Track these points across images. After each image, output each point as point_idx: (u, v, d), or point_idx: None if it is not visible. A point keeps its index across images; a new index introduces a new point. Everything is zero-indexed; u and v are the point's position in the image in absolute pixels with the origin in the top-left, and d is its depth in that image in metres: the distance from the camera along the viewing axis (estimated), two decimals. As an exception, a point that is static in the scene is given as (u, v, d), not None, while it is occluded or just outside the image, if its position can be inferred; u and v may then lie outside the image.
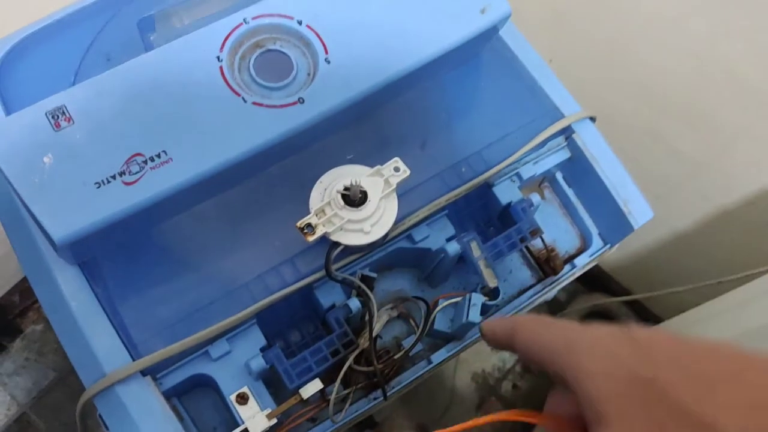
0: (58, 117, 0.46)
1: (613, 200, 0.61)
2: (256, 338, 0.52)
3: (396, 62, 0.53)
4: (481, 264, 0.56)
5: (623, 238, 0.64)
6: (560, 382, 0.29)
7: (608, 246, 0.64)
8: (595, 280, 1.38)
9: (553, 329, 0.30)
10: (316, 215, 0.49)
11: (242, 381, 0.50)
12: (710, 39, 0.88)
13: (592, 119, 0.64)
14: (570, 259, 0.64)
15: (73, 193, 0.44)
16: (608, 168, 0.62)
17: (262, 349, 0.51)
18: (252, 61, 0.51)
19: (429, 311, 0.58)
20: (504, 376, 1.34)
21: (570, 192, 0.65)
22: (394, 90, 0.54)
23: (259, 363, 0.50)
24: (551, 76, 0.64)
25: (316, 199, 0.51)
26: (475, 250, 0.56)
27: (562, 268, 0.63)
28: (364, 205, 0.50)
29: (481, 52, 0.63)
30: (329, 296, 0.54)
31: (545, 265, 0.63)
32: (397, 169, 0.51)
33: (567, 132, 0.63)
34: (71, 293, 0.49)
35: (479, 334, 0.58)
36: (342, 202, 0.49)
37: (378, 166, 0.51)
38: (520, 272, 0.64)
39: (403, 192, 0.54)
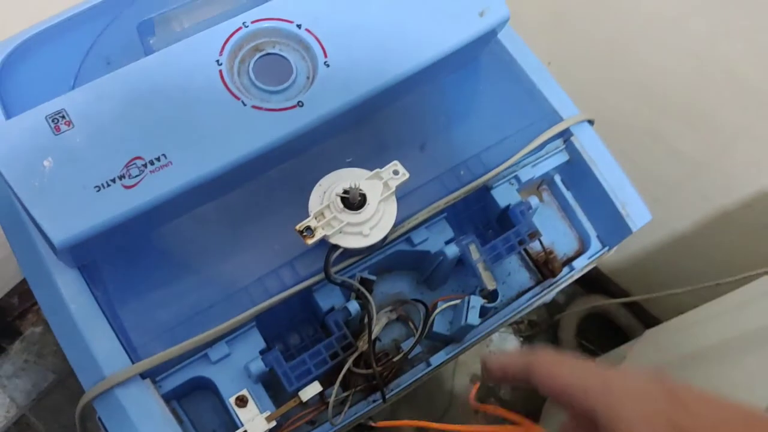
0: (58, 121, 0.46)
1: (611, 203, 0.62)
2: (255, 341, 0.52)
3: (395, 66, 0.53)
4: (480, 266, 0.56)
5: (621, 241, 0.64)
6: (586, 417, 0.30)
7: (606, 248, 0.65)
8: (593, 281, 1.38)
9: (582, 369, 0.32)
10: (316, 218, 0.49)
11: (241, 384, 0.50)
12: (710, 39, 0.88)
13: (591, 122, 0.65)
14: (568, 261, 0.64)
15: (73, 196, 0.45)
16: (606, 170, 0.62)
17: (262, 352, 0.51)
18: (251, 65, 0.51)
19: (428, 314, 0.58)
20: (503, 378, 1.34)
21: (568, 195, 0.66)
22: (393, 93, 0.54)
23: (258, 366, 0.50)
24: (549, 79, 0.64)
25: (315, 202, 0.51)
26: (474, 253, 0.56)
27: (561, 271, 0.63)
28: (363, 208, 0.50)
29: (479, 56, 0.63)
30: (328, 299, 0.54)
31: (544, 267, 0.63)
32: (396, 172, 0.51)
33: (565, 135, 0.63)
34: (71, 296, 0.49)
35: (478, 336, 0.59)
36: (341, 205, 0.50)
37: (377, 169, 0.51)
38: (519, 275, 0.64)
39: (402, 195, 0.54)
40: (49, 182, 0.45)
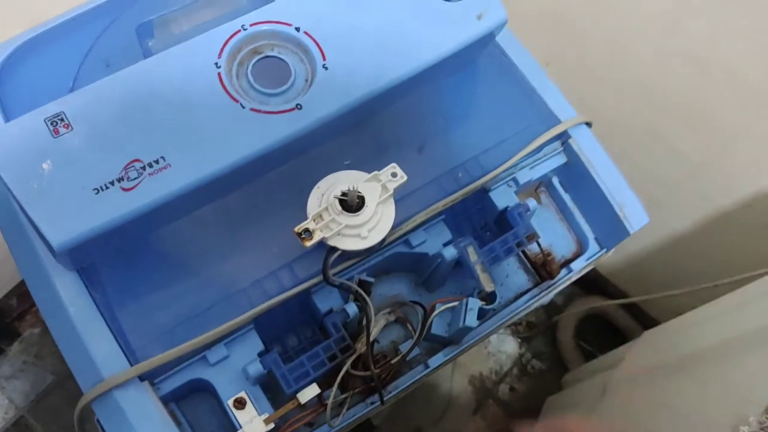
0: (56, 123, 0.46)
1: (609, 205, 0.62)
2: (253, 343, 0.52)
3: (393, 69, 0.53)
4: (478, 268, 0.56)
5: (619, 243, 0.64)
6: None
7: (604, 250, 0.65)
8: (592, 283, 1.38)
9: None
10: (314, 220, 0.49)
11: (240, 386, 0.50)
12: (710, 39, 0.88)
13: (588, 124, 0.65)
14: (566, 263, 0.64)
15: (72, 199, 0.45)
16: (604, 173, 0.63)
17: (260, 354, 0.52)
18: (250, 68, 0.51)
19: (426, 316, 0.58)
20: (501, 379, 1.34)
21: (566, 197, 0.66)
22: (391, 96, 0.55)
23: (256, 368, 0.50)
24: (547, 81, 0.65)
25: (313, 204, 0.51)
26: (472, 255, 0.56)
27: (559, 273, 0.63)
28: (361, 211, 0.50)
29: (477, 58, 0.63)
30: (327, 301, 0.54)
31: (542, 269, 0.64)
32: (394, 175, 0.52)
33: (563, 137, 0.64)
34: (69, 299, 0.49)
35: (476, 338, 0.59)
36: (339, 208, 0.50)
37: (375, 172, 0.51)
38: (517, 276, 0.64)
39: (400, 197, 0.54)
40: (48, 185, 0.45)
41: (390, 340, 0.60)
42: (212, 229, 0.53)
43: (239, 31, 0.52)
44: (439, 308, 0.58)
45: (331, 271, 0.51)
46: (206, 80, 0.50)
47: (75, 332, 0.49)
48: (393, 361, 0.56)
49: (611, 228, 0.63)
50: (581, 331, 1.37)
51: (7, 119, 0.47)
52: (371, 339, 0.53)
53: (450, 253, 0.56)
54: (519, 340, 1.38)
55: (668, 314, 1.06)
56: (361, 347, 0.53)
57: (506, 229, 0.59)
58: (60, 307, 0.50)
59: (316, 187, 0.52)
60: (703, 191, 1.03)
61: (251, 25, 0.52)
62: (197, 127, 0.48)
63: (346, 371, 0.52)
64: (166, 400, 0.50)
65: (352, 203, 0.50)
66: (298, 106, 0.51)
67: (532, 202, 0.60)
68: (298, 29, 0.53)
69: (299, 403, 0.51)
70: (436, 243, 0.58)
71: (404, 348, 0.57)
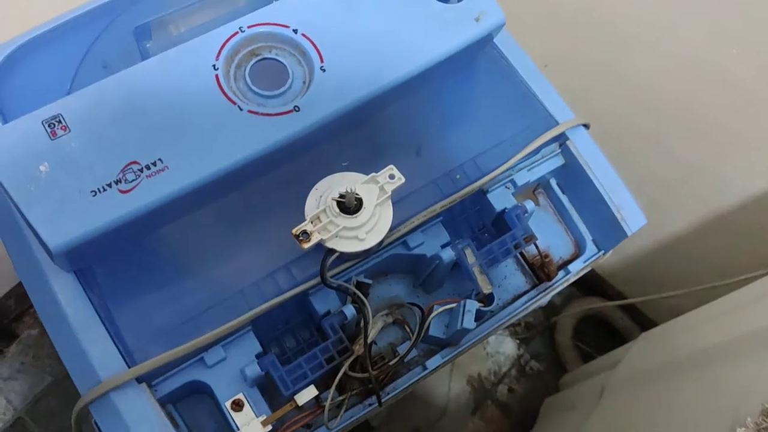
0: (54, 126, 0.46)
1: (607, 207, 0.62)
2: (251, 345, 0.52)
3: (391, 71, 0.53)
4: (476, 270, 0.56)
5: (617, 245, 0.64)
6: None
7: (602, 252, 0.65)
8: (590, 284, 1.38)
9: None
10: (312, 222, 0.49)
11: (237, 387, 0.50)
12: (704, 44, 0.88)
13: (586, 126, 0.65)
14: (564, 264, 0.64)
15: (69, 201, 0.45)
16: (602, 175, 0.63)
17: (258, 356, 0.52)
18: (248, 70, 0.51)
19: (424, 317, 0.58)
20: (500, 380, 1.34)
21: (564, 198, 0.66)
22: (389, 98, 0.55)
23: (254, 370, 0.50)
24: (545, 83, 0.65)
25: (311, 206, 0.51)
26: (470, 257, 0.56)
27: (557, 274, 0.63)
28: (359, 213, 0.50)
29: (475, 60, 0.63)
30: (324, 303, 0.54)
31: (539, 271, 0.64)
32: (392, 177, 0.52)
33: (561, 139, 0.64)
34: (67, 300, 0.49)
35: (474, 340, 0.59)
36: (337, 210, 0.50)
37: (373, 174, 0.51)
38: (515, 278, 0.64)
39: (398, 199, 0.54)
40: (45, 187, 0.45)
41: (388, 341, 0.60)
42: (210, 231, 0.53)
43: (237, 33, 0.52)
44: (437, 310, 0.58)
45: (329, 273, 0.51)
46: (204, 82, 0.50)
47: (72, 334, 0.49)
48: (391, 363, 0.56)
49: (609, 230, 0.63)
50: (579, 332, 1.38)
51: (4, 121, 0.48)
52: (369, 341, 0.53)
53: (448, 254, 0.56)
54: (517, 341, 1.38)
55: (666, 315, 1.06)
56: (358, 349, 0.53)
57: (504, 230, 0.59)
58: (57, 309, 0.49)
59: (313, 188, 0.52)
60: (699, 193, 1.03)
61: (249, 27, 0.52)
62: (195, 129, 0.48)
63: (344, 373, 0.52)
64: (163, 402, 0.50)
65: (349, 205, 0.50)
66: (296, 108, 0.51)
67: (529, 204, 0.60)
68: (295, 31, 0.53)
69: (297, 405, 0.51)
70: (434, 245, 0.58)
71: (402, 350, 0.57)
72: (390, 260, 0.58)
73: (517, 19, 0.69)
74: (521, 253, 0.65)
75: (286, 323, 0.57)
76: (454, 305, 0.57)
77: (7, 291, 1.20)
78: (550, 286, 0.63)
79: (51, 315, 0.50)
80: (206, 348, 0.50)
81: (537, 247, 0.63)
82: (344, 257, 0.53)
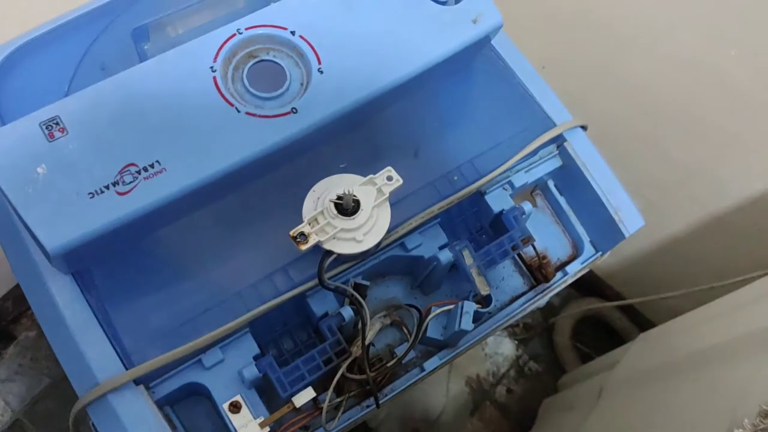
0: (51, 128, 0.46)
1: (605, 208, 0.62)
2: (249, 347, 0.52)
3: (388, 72, 0.53)
4: (474, 272, 0.56)
5: (614, 246, 0.64)
6: None
7: (600, 253, 0.65)
8: (588, 284, 1.39)
9: None
10: (309, 224, 0.49)
11: (235, 389, 0.50)
12: (702, 46, 0.89)
13: (584, 128, 0.65)
14: (562, 266, 0.65)
15: (67, 203, 0.45)
16: (599, 176, 0.63)
17: (255, 358, 0.52)
18: (245, 72, 0.52)
19: (421, 319, 0.58)
20: (498, 381, 1.34)
21: (562, 200, 0.66)
22: (386, 100, 0.55)
23: (252, 371, 0.50)
24: (543, 85, 0.65)
25: (309, 208, 0.51)
26: (468, 258, 0.57)
27: (554, 276, 0.63)
28: (356, 214, 0.50)
29: (473, 62, 0.63)
30: (322, 305, 0.54)
31: (537, 272, 0.64)
32: (389, 178, 0.52)
33: (558, 140, 0.64)
34: (64, 303, 0.49)
35: (472, 341, 0.59)
36: (335, 211, 0.50)
37: (371, 175, 0.51)
38: (513, 279, 0.64)
39: (395, 201, 0.54)
40: (43, 189, 0.45)
41: (386, 343, 0.60)
42: (207, 233, 0.53)
43: (235, 35, 0.52)
44: (435, 311, 0.58)
45: (327, 275, 0.51)
46: (202, 84, 0.50)
47: (70, 336, 0.49)
48: (388, 365, 0.56)
49: (607, 231, 0.63)
50: (578, 332, 1.38)
51: (2, 123, 0.48)
52: (367, 342, 0.53)
53: (445, 256, 0.56)
54: (516, 342, 1.38)
55: (664, 316, 1.06)
56: (356, 351, 0.53)
57: (502, 232, 0.59)
58: (55, 311, 0.49)
59: (311, 190, 0.52)
60: (697, 195, 1.03)
61: (247, 29, 0.52)
62: (192, 131, 0.48)
63: (342, 375, 0.52)
64: (161, 404, 0.50)
65: (347, 207, 0.50)
66: (294, 110, 0.51)
67: (527, 206, 0.61)
68: (293, 33, 0.53)
69: (294, 407, 0.51)
70: (432, 246, 0.58)
71: (400, 351, 0.57)
72: (388, 262, 0.58)
73: (514, 21, 0.69)
74: (519, 255, 0.65)
75: (284, 325, 0.57)
76: (451, 307, 0.57)
77: (4, 293, 1.20)
78: (547, 288, 0.63)
79: (48, 317, 0.50)
80: (204, 350, 0.50)
81: (535, 248, 0.63)
82: (342, 259, 0.53)
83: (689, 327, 0.94)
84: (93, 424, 0.49)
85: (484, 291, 0.56)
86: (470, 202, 0.61)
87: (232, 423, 0.49)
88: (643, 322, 1.34)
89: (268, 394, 0.53)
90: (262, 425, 0.49)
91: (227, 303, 0.51)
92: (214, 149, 0.49)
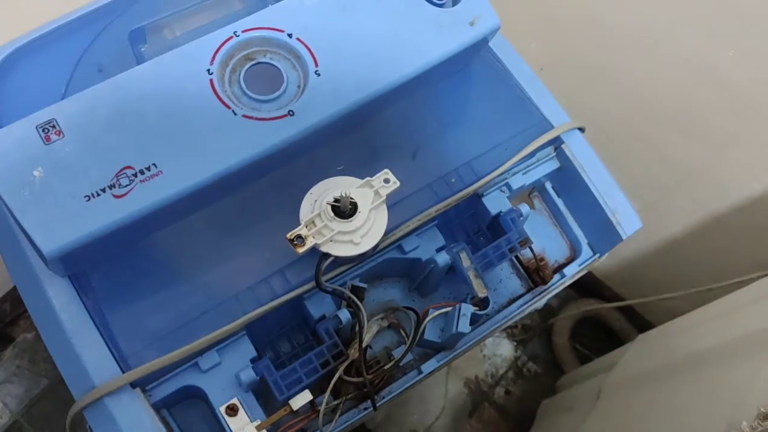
0: (48, 131, 0.46)
1: (602, 210, 0.62)
2: (246, 349, 0.52)
3: (386, 75, 0.53)
4: (471, 274, 0.56)
5: (612, 248, 0.64)
6: None
7: (597, 255, 0.65)
8: (587, 285, 1.38)
9: None
10: (306, 227, 0.49)
11: (232, 392, 0.50)
12: (700, 46, 0.89)
13: (581, 130, 0.65)
14: (559, 268, 0.64)
15: (63, 206, 0.45)
16: (597, 178, 0.63)
17: (252, 360, 0.51)
18: (242, 74, 0.51)
19: (419, 321, 0.58)
20: (497, 382, 1.34)
21: (559, 202, 0.66)
22: (383, 102, 0.55)
23: (248, 374, 0.50)
24: (541, 86, 0.65)
25: (306, 210, 0.51)
26: (465, 261, 0.56)
27: (552, 278, 0.63)
28: (353, 217, 0.50)
29: (471, 64, 0.63)
30: (319, 307, 0.54)
31: (535, 274, 0.64)
32: (387, 181, 0.52)
33: (556, 142, 0.64)
34: (61, 305, 0.49)
35: (470, 344, 0.59)
36: (332, 214, 0.50)
37: (368, 178, 0.51)
38: (510, 282, 0.64)
39: (393, 203, 0.54)
40: (39, 192, 0.45)
41: (383, 345, 0.60)
42: (204, 235, 0.53)
43: (231, 37, 0.52)
44: (432, 314, 0.58)
45: (324, 278, 0.51)
46: (198, 87, 0.50)
47: (66, 339, 0.49)
48: (386, 367, 0.56)
49: (604, 233, 0.63)
50: (577, 333, 1.38)
51: (-1, 126, 0.47)
52: (364, 345, 0.53)
53: (443, 258, 0.56)
54: (514, 343, 1.38)
55: (663, 317, 1.06)
56: (353, 353, 0.53)
57: (499, 234, 0.59)
58: (51, 314, 0.49)
59: (308, 193, 0.52)
60: (695, 196, 1.03)
61: (243, 32, 0.52)
62: (189, 134, 0.48)
63: (339, 377, 0.52)
64: (157, 407, 0.50)
65: (344, 209, 0.50)
66: (291, 113, 0.51)
67: (525, 208, 0.61)
68: (290, 35, 0.53)
69: (292, 410, 0.51)
70: (429, 248, 0.58)
71: (397, 354, 0.57)
72: (385, 264, 0.58)
73: (513, 23, 0.69)
74: (516, 257, 0.65)
75: (281, 327, 0.57)
76: (449, 309, 0.57)
77: (2, 295, 1.20)
78: (545, 290, 0.63)
79: (45, 320, 0.50)
80: (201, 353, 0.50)
81: (532, 250, 0.63)
82: (339, 261, 0.53)
83: (688, 328, 0.94)
84: (90, 428, 0.49)
85: (481, 293, 0.56)
86: (468, 204, 0.61)
87: (229, 426, 0.49)
88: (641, 323, 1.34)
89: (265, 396, 0.53)
90: (259, 428, 0.49)
91: (224, 306, 0.51)
92: (211, 152, 0.48)
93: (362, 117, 0.56)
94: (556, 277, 0.63)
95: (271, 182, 0.55)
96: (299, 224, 0.49)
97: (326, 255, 0.50)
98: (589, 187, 0.62)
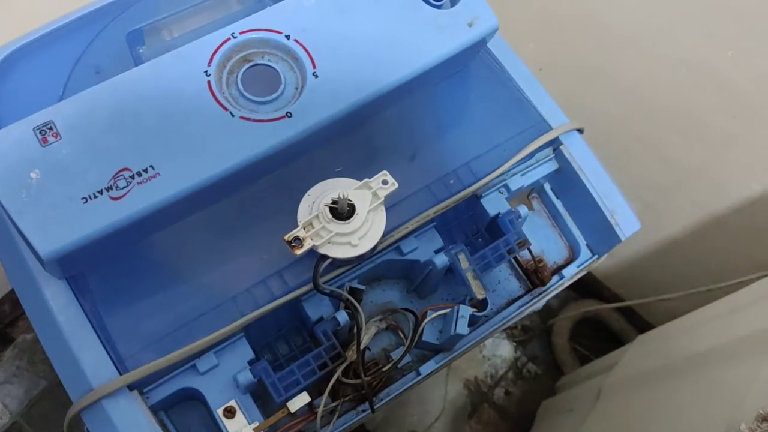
0: (45, 132, 0.46)
1: (601, 212, 0.62)
2: (243, 351, 0.52)
3: (383, 76, 0.53)
4: (469, 276, 0.56)
5: (611, 249, 0.64)
6: None
7: (596, 257, 0.65)
8: (587, 286, 1.38)
9: None
10: (304, 228, 0.49)
11: (230, 394, 0.50)
12: (699, 47, 0.89)
13: (580, 131, 0.65)
14: (558, 269, 0.64)
15: (60, 208, 0.45)
16: (595, 179, 0.63)
17: (250, 362, 0.51)
18: (240, 76, 0.51)
19: (417, 323, 0.58)
20: (497, 383, 1.34)
21: (558, 203, 0.66)
22: (381, 103, 0.55)
23: (246, 376, 0.50)
24: (539, 88, 0.65)
25: (304, 212, 0.51)
26: (463, 262, 0.56)
27: (550, 279, 0.63)
28: (352, 219, 0.50)
29: (469, 65, 0.63)
30: (317, 309, 0.54)
31: (533, 275, 0.64)
32: (385, 182, 0.52)
33: (555, 144, 0.64)
34: (58, 308, 0.49)
35: (468, 345, 0.59)
36: (330, 216, 0.50)
37: (366, 179, 0.51)
38: (509, 283, 0.64)
39: (391, 204, 0.54)
40: (36, 194, 0.45)
41: (381, 347, 0.59)
42: (202, 237, 0.53)
43: (229, 39, 0.52)
44: (431, 315, 0.58)
45: (322, 279, 0.51)
46: (196, 88, 0.50)
47: (64, 341, 0.49)
48: (384, 369, 0.56)
49: (603, 235, 0.63)
50: (576, 334, 1.38)
51: (-4, 127, 0.47)
52: (362, 347, 0.53)
53: (441, 260, 0.56)
54: (514, 344, 1.38)
55: (662, 318, 1.06)
56: (351, 355, 0.53)
57: (498, 235, 0.59)
58: (49, 316, 0.49)
59: (306, 194, 0.52)
60: (695, 196, 1.03)
61: (241, 33, 0.52)
62: (187, 136, 0.48)
63: (337, 379, 0.52)
64: (155, 409, 0.50)
65: (342, 211, 0.50)
66: (288, 114, 0.51)
67: (523, 209, 0.60)
68: (288, 37, 0.53)
69: (289, 412, 0.51)
70: (428, 250, 0.57)
71: (395, 355, 0.57)
72: (383, 266, 0.58)
73: (512, 24, 0.69)
74: (515, 258, 0.65)
75: (279, 329, 0.57)
76: (447, 311, 0.57)
77: (2, 296, 1.20)
78: (544, 291, 0.63)
79: (42, 322, 0.50)
80: (198, 355, 0.50)
81: (531, 252, 0.63)
82: (337, 263, 0.53)
83: (687, 329, 0.94)
84: (87, 430, 0.49)
85: (479, 295, 0.56)
86: (466, 205, 0.61)
87: (226, 428, 0.49)
88: (641, 323, 1.34)
89: (263, 398, 0.53)
90: (256, 430, 0.49)
91: (222, 308, 0.51)
92: (208, 154, 0.48)
93: (360, 118, 0.56)
94: (555, 278, 0.63)
95: (269, 184, 0.55)
96: (297, 226, 0.49)
97: (324, 257, 0.50)
98: (587, 188, 0.62)
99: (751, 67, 0.85)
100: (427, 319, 0.58)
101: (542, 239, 0.66)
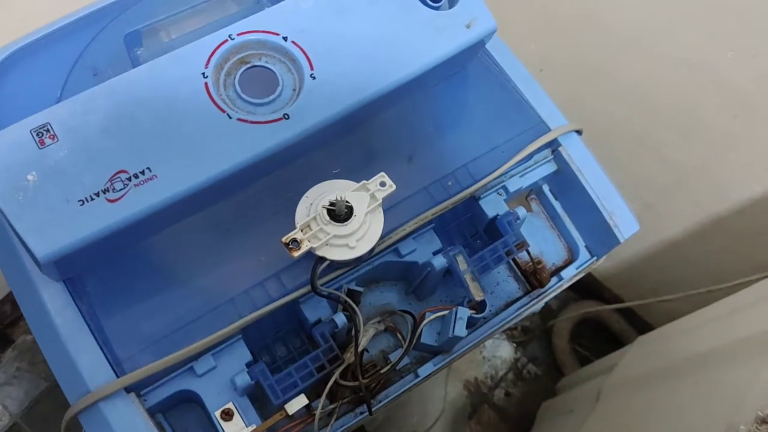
0: (42, 134, 0.46)
1: (600, 213, 0.62)
2: (241, 353, 0.52)
3: (381, 78, 0.53)
4: (468, 278, 0.56)
5: (610, 251, 0.64)
6: None
7: (595, 258, 0.65)
8: (587, 287, 1.38)
9: None
10: (302, 230, 0.49)
11: (227, 397, 0.50)
12: (699, 47, 0.88)
13: (579, 132, 0.65)
14: (557, 271, 0.64)
15: (57, 210, 0.45)
16: (594, 181, 0.62)
17: (248, 365, 0.51)
18: (237, 77, 0.51)
19: (416, 325, 0.58)
20: (497, 384, 1.34)
21: (557, 204, 0.66)
22: (379, 105, 0.54)
23: (244, 379, 0.50)
24: (538, 89, 0.65)
25: (301, 214, 0.51)
26: (462, 264, 0.56)
27: (549, 281, 0.63)
28: (349, 220, 0.50)
29: (467, 66, 0.63)
30: (315, 311, 0.54)
31: (532, 277, 0.63)
32: (383, 184, 0.51)
33: (553, 145, 0.63)
34: (56, 310, 0.49)
35: (467, 347, 0.59)
36: (327, 217, 0.49)
37: (364, 181, 0.51)
38: (507, 285, 0.64)
39: (389, 206, 0.54)
40: (33, 196, 0.45)
41: (379, 349, 0.59)
42: (199, 239, 0.53)
43: (226, 40, 0.52)
44: (429, 317, 0.57)
45: (320, 281, 0.51)
46: (193, 90, 0.50)
47: (61, 343, 0.49)
48: (382, 371, 0.56)
49: (602, 236, 0.63)
50: (576, 335, 1.37)
51: (-7, 130, 0.47)
52: (360, 349, 0.53)
53: (439, 262, 0.56)
54: (514, 345, 1.38)
55: (662, 319, 1.06)
56: (350, 357, 0.53)
57: (496, 237, 0.59)
58: (46, 318, 0.49)
59: (304, 196, 0.52)
60: (695, 197, 1.03)
61: (238, 35, 0.52)
62: (184, 138, 0.48)
63: (335, 381, 0.52)
64: (152, 412, 0.50)
65: (340, 213, 0.50)
66: (286, 116, 0.51)
67: (521, 211, 0.60)
68: (285, 38, 0.52)
69: (287, 414, 0.50)
70: (426, 252, 0.57)
71: (394, 357, 0.57)
72: (381, 268, 0.57)
73: (512, 24, 0.69)
74: (514, 260, 0.64)
75: (277, 332, 0.57)
76: (446, 312, 0.57)
77: (2, 297, 1.20)
78: (542, 293, 0.63)
79: (40, 324, 0.50)
80: (196, 357, 0.50)
81: (529, 253, 0.63)
82: (335, 265, 0.53)
83: (687, 330, 0.94)
84: (85, 432, 0.49)
85: (478, 296, 0.56)
86: (464, 207, 0.60)
87: (224, 430, 0.49)
88: (641, 325, 1.34)
89: (261, 401, 0.53)
90: (254, 433, 0.49)
91: (219, 310, 0.51)
92: (206, 155, 0.48)
93: (358, 120, 0.56)
94: (554, 279, 0.63)
95: (267, 186, 0.55)
96: (295, 228, 0.49)
97: (322, 259, 0.50)
98: (586, 189, 0.62)
99: (752, 67, 0.85)
100: (425, 321, 0.57)
101: (541, 241, 0.66)
